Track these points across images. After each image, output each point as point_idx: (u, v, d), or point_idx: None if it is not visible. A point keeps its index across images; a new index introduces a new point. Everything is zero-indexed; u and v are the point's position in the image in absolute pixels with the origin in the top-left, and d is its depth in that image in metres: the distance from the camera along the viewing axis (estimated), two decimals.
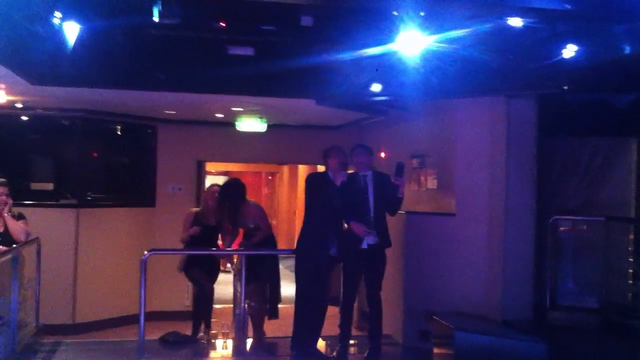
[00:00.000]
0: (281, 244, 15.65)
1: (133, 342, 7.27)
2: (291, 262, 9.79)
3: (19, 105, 9.52)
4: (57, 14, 5.20)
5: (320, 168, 8.77)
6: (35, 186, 10.12)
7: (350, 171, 6.88)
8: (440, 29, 5.16)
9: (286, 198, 19.36)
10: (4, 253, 6.29)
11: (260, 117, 10.30)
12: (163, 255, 9.34)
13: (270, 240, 7.93)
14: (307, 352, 6.86)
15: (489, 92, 7.29)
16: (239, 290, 7.48)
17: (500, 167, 7.45)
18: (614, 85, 6.99)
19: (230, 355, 7.30)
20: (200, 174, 11.84)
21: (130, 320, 9.69)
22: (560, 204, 7.96)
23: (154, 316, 9.22)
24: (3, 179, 6.99)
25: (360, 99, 7.98)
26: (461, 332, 6.34)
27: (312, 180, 7.14)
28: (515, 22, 4.96)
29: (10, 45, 5.91)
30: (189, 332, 7.99)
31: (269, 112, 9.92)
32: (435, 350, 6.87)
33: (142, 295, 6.93)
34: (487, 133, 7.62)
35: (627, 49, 4.98)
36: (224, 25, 6.21)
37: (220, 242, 8.33)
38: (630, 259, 7.56)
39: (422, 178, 8.66)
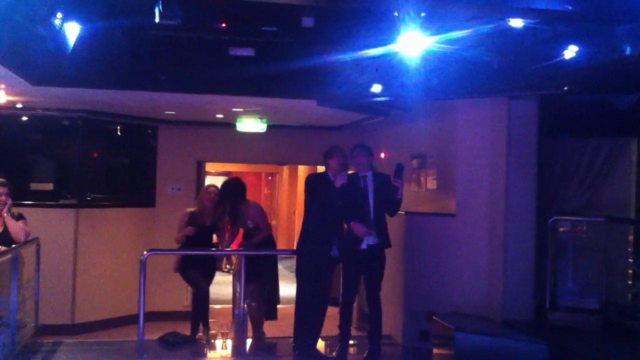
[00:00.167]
0: (281, 244, 15.68)
1: (132, 343, 7.28)
2: (290, 263, 9.81)
3: (19, 106, 9.51)
4: (58, 15, 5.19)
5: (320, 168, 8.77)
6: (35, 186, 10.11)
7: (350, 171, 6.88)
8: (441, 29, 5.16)
9: (286, 198, 19.37)
10: (4, 253, 6.29)
11: (261, 118, 10.30)
12: (162, 256, 9.33)
13: (269, 241, 7.93)
14: (306, 352, 6.86)
15: (489, 93, 7.28)
16: (239, 290, 7.48)
17: (500, 168, 7.45)
18: (615, 86, 6.99)
19: (230, 356, 7.29)
20: (200, 174, 11.83)
21: (129, 320, 9.68)
22: (561, 204, 7.95)
23: (153, 316, 9.21)
24: (3, 179, 6.98)
25: (361, 99, 7.98)
26: (461, 332, 6.34)
27: (312, 181, 7.14)
28: (516, 23, 4.96)
29: (11, 46, 5.91)
30: (188, 332, 7.99)
31: (270, 113, 9.91)
32: (435, 351, 6.86)
33: (142, 295, 6.93)
34: (487, 134, 7.62)
35: (628, 50, 4.96)
36: (224, 26, 6.21)
37: (215, 241, 8.34)
38: (630, 260, 7.56)
39: (422, 179, 8.66)
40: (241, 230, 8.06)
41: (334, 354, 7.01)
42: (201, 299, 8.10)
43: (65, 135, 10.33)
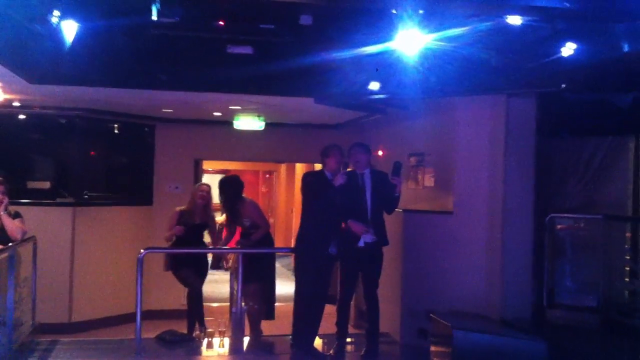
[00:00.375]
0: (278, 242, 15.67)
1: (130, 341, 7.27)
2: (288, 261, 9.79)
3: (17, 104, 9.50)
4: (56, 13, 5.18)
5: (318, 167, 8.76)
6: (32, 185, 10.11)
7: (348, 169, 6.87)
8: (439, 27, 5.16)
9: (284, 196, 19.37)
10: (0, 251, 6.27)
11: (258, 116, 10.29)
12: (160, 254, 9.32)
13: (267, 239, 7.91)
14: (304, 350, 6.85)
15: (488, 91, 7.29)
16: (236, 288, 7.47)
17: (499, 166, 7.45)
18: (614, 85, 6.98)
19: (227, 354, 7.28)
20: (198, 172, 11.82)
21: (127, 318, 9.65)
22: (559, 203, 7.95)
23: (150, 315, 9.19)
24: (0, 177, 6.97)
25: (359, 97, 7.97)
26: (460, 330, 6.33)
27: (310, 179, 7.12)
28: (515, 20, 4.96)
29: (9, 44, 5.90)
30: (185, 330, 7.98)
31: (267, 111, 9.90)
32: (433, 349, 6.86)
33: (139, 293, 6.92)
34: (486, 132, 7.62)
35: (627, 48, 4.97)
36: (222, 24, 6.19)
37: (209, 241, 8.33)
38: (628, 257, 7.56)
39: (420, 176, 8.66)
40: (239, 229, 8.05)
41: (331, 351, 7.00)
42: (194, 297, 8.08)
43: (63, 134, 10.32)
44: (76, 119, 10.18)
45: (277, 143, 11.69)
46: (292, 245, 7.36)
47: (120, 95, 8.76)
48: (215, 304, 11.34)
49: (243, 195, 7.94)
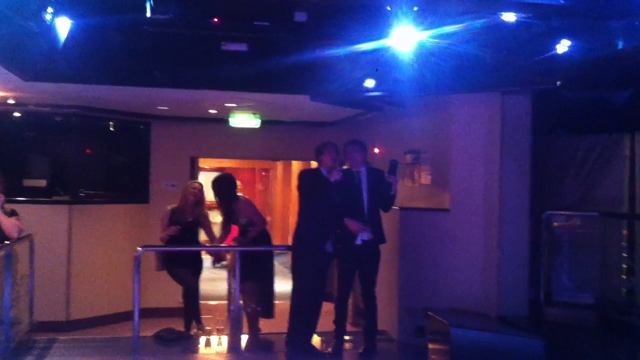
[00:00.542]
0: (276, 240, 15.62)
1: (127, 339, 7.28)
2: (285, 259, 9.80)
3: (12, 102, 9.48)
4: (49, 10, 5.17)
5: (314, 164, 8.75)
6: (28, 183, 10.10)
7: (344, 167, 6.87)
8: (434, 24, 5.16)
9: (280, 194, 19.35)
10: None
11: (254, 113, 10.29)
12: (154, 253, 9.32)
13: (264, 236, 7.89)
14: (302, 348, 6.85)
15: (483, 88, 7.29)
16: (234, 286, 7.47)
17: (495, 163, 7.45)
18: (609, 82, 6.98)
19: (225, 352, 7.28)
20: (194, 170, 11.81)
21: (124, 317, 9.68)
22: (555, 200, 7.96)
23: (148, 313, 9.18)
24: None
25: (354, 94, 7.97)
26: (457, 328, 6.33)
27: (306, 177, 7.12)
28: (510, 17, 4.96)
29: (2, 41, 5.88)
30: (183, 328, 7.97)
31: (263, 108, 9.90)
32: (431, 347, 6.86)
33: (136, 291, 6.93)
34: (482, 129, 7.61)
35: (621, 45, 4.97)
36: (217, 21, 6.18)
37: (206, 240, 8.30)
38: (625, 255, 7.57)
39: (417, 174, 8.66)
40: (235, 227, 8.03)
41: (329, 349, 7.01)
42: (190, 295, 8.07)
43: (59, 132, 10.32)
44: (72, 116, 10.16)
45: (273, 141, 11.68)
46: (289, 243, 7.34)
47: (115, 93, 8.74)
48: (213, 302, 11.32)
49: (238, 193, 7.92)
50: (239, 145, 11.58)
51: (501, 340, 6.30)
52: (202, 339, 7.57)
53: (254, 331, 7.77)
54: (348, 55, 6.31)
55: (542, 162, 7.87)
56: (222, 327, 7.55)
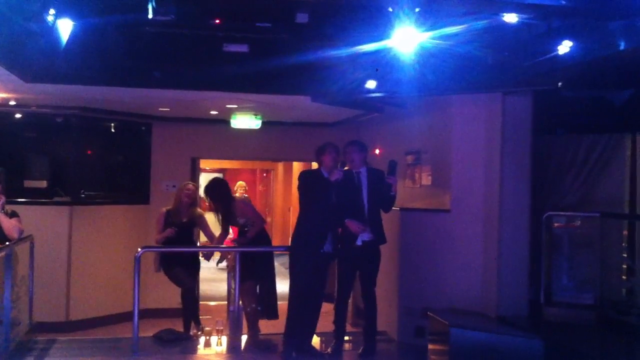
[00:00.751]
0: (276, 241, 15.69)
1: (127, 340, 7.27)
2: (286, 260, 9.79)
3: (13, 103, 9.48)
4: (51, 11, 5.17)
5: (315, 165, 8.75)
6: (29, 184, 10.10)
7: (345, 168, 6.87)
8: (435, 25, 5.16)
9: (281, 195, 19.38)
10: None
11: (255, 114, 10.29)
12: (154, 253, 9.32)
13: (263, 236, 7.89)
14: (302, 349, 6.85)
15: (484, 89, 7.29)
16: (233, 287, 7.47)
17: (495, 164, 7.45)
18: (609, 82, 6.99)
19: (225, 352, 7.28)
20: (195, 171, 11.81)
21: (124, 317, 9.67)
22: (555, 200, 7.96)
23: (148, 313, 9.20)
24: None
25: (355, 95, 7.97)
26: (457, 328, 6.33)
27: (306, 177, 7.11)
28: (510, 18, 4.96)
29: (4, 43, 5.88)
30: (182, 329, 7.97)
31: (264, 109, 9.90)
32: (431, 347, 6.86)
33: (136, 292, 6.92)
34: (482, 129, 7.62)
35: (622, 46, 4.97)
36: (218, 22, 6.19)
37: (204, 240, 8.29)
38: (625, 255, 7.57)
39: (417, 175, 8.66)
40: (234, 228, 8.04)
41: (329, 350, 7.01)
42: (188, 296, 8.06)
43: (60, 133, 10.32)
44: (73, 117, 10.16)
45: (274, 141, 11.68)
46: (290, 244, 7.34)
47: (116, 94, 8.75)
48: (213, 303, 11.34)
49: (232, 195, 7.93)
50: (239, 146, 11.58)
51: (501, 340, 6.30)
52: (202, 340, 7.57)
53: (253, 332, 7.77)
54: (349, 56, 6.32)
55: (542, 162, 7.87)
56: (222, 327, 7.54)
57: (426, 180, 8.45)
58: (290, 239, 7.09)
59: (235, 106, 9.61)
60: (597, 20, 4.91)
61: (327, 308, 7.25)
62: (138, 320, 6.91)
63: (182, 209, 8.00)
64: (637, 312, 6.99)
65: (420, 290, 7.76)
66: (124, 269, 9.68)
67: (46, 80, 7.58)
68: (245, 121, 10.38)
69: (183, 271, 7.94)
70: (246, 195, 12.68)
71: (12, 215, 6.91)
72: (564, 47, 5.26)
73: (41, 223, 9.08)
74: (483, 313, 7.35)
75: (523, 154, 7.47)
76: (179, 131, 11.33)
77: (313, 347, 7.00)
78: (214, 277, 12.89)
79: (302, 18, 5.93)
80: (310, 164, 12.75)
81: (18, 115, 10.11)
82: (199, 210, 8.22)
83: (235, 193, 12.48)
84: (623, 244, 7.60)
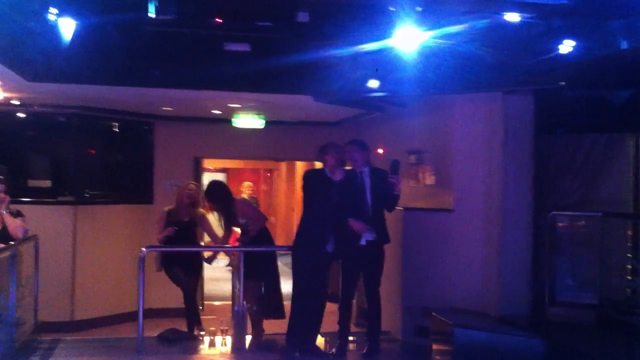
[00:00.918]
0: (279, 241, 15.67)
1: (132, 340, 7.28)
2: (289, 259, 9.81)
3: (15, 102, 9.50)
4: (53, 10, 5.19)
5: (318, 164, 8.76)
6: (33, 183, 10.11)
7: (347, 168, 6.87)
8: (436, 24, 5.17)
9: (284, 194, 19.36)
10: (2, 250, 6.30)
11: (257, 114, 10.30)
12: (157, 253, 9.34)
13: (264, 234, 7.88)
14: (306, 349, 6.85)
15: (485, 88, 7.29)
16: (238, 287, 7.48)
17: (497, 163, 7.45)
18: (611, 81, 6.99)
19: (229, 352, 7.28)
20: (198, 170, 11.83)
21: (128, 317, 9.69)
22: (557, 200, 7.94)
23: (152, 313, 9.20)
24: (1, 176, 6.97)
25: (357, 95, 7.98)
26: (460, 328, 6.33)
27: (310, 177, 7.12)
28: (512, 17, 4.97)
29: (6, 42, 5.91)
30: (186, 329, 7.98)
31: (266, 109, 9.91)
32: (434, 347, 6.87)
33: (141, 292, 6.93)
34: (484, 129, 7.62)
35: (624, 45, 4.97)
36: (219, 21, 6.20)
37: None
38: (629, 255, 7.55)
39: (420, 174, 8.66)
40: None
41: (333, 350, 7.00)
42: (185, 297, 8.06)
43: (63, 132, 10.33)
44: (75, 117, 10.18)
45: (276, 141, 11.68)
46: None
47: (118, 93, 8.76)
48: (217, 303, 11.35)
49: (232, 196, 7.94)
50: (242, 146, 11.59)
51: (503, 340, 6.31)
52: (206, 340, 7.57)
53: (258, 332, 7.78)
54: (350, 55, 6.33)
55: (544, 162, 7.86)
56: (227, 327, 7.55)
57: (429, 179, 8.45)
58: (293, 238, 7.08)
59: (237, 106, 9.62)
60: (598, 19, 4.91)
61: (331, 308, 7.26)
62: (143, 319, 6.92)
63: (183, 208, 8.02)
64: (639, 312, 6.97)
65: (423, 290, 7.75)
66: (128, 268, 9.71)
67: (47, 79, 7.60)
68: (247, 121, 10.39)
69: (182, 272, 7.94)
70: (254, 197, 12.71)
71: (17, 215, 6.94)
72: (565, 46, 5.26)
73: (45, 223, 9.09)
74: (486, 312, 7.35)
75: (524, 154, 7.46)
76: (182, 131, 11.35)
77: (317, 347, 7.00)
78: (218, 277, 12.91)
79: (303, 17, 5.93)
80: (313, 164, 12.75)
81: (21, 115, 10.13)
82: (200, 210, 8.22)
83: (243, 193, 12.51)
84: (627, 244, 7.57)
